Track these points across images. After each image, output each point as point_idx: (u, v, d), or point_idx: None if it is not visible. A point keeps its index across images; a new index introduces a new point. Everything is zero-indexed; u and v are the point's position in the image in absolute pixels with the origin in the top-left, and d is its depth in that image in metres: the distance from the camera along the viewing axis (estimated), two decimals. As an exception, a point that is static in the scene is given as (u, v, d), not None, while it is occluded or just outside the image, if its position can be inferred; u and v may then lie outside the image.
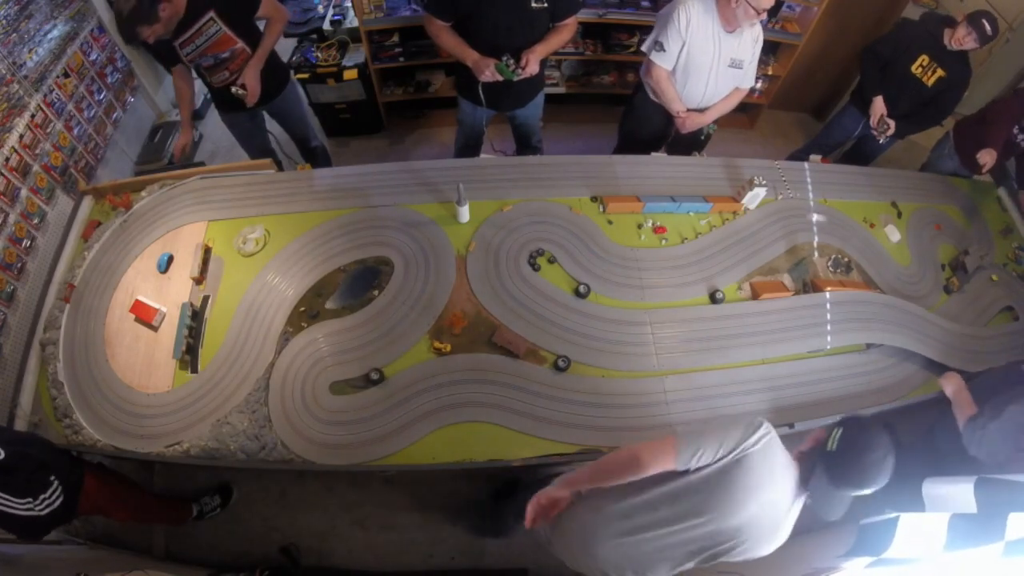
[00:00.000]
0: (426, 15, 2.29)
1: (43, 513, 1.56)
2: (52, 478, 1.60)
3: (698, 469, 1.23)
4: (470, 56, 2.25)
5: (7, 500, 1.49)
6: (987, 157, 2.47)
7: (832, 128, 3.12)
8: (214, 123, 2.39)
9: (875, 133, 2.75)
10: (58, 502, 1.60)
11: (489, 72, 2.21)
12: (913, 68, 2.64)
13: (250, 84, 2.31)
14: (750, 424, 1.24)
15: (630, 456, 1.26)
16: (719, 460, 1.22)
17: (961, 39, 2.49)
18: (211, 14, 2.16)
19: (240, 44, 2.30)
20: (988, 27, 2.43)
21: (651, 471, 1.24)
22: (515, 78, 2.23)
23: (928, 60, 2.60)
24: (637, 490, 1.29)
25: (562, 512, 1.39)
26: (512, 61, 2.21)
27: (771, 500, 1.22)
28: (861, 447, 1.19)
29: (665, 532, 1.25)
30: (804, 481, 1.25)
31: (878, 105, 2.73)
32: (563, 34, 2.33)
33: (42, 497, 1.57)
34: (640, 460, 1.24)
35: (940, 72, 2.60)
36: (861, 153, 3.11)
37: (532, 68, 2.23)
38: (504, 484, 2.28)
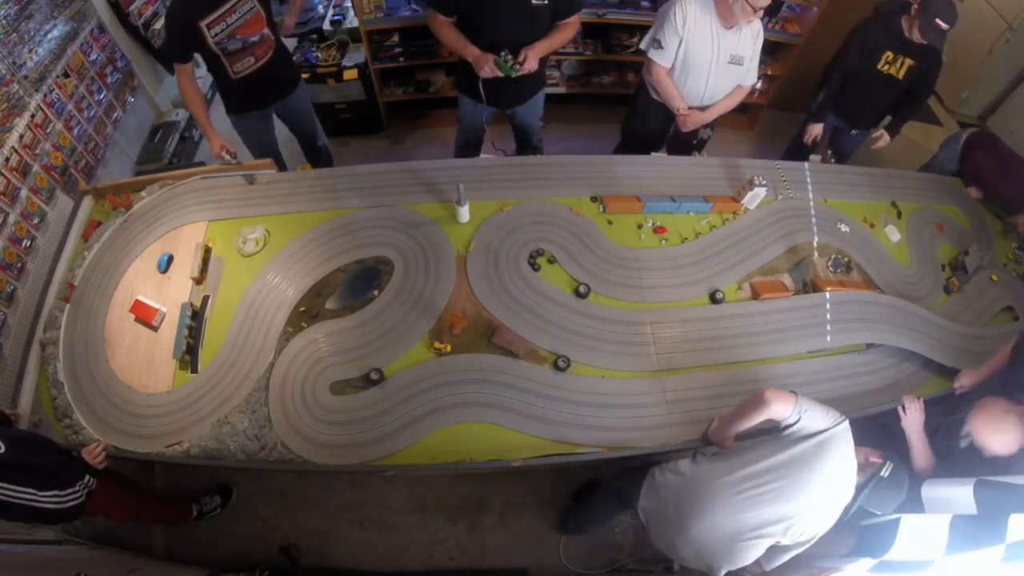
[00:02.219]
0: (429, 10, 2.30)
1: (61, 507, 1.56)
2: (75, 476, 1.62)
3: (798, 439, 1.41)
4: (471, 52, 2.25)
5: (13, 490, 1.49)
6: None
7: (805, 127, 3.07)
8: (215, 123, 2.37)
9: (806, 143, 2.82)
10: (76, 501, 1.61)
11: (488, 68, 2.22)
12: (880, 66, 2.57)
13: (290, 21, 2.49)
14: (836, 412, 1.44)
15: (757, 396, 1.47)
16: (815, 434, 1.40)
17: (916, 35, 2.40)
18: None
19: (267, 29, 2.30)
20: (942, 24, 2.27)
21: (772, 411, 1.44)
22: (513, 74, 2.24)
23: (893, 55, 2.53)
24: (746, 463, 1.46)
25: (671, 489, 1.59)
26: (510, 56, 2.22)
27: (838, 482, 1.39)
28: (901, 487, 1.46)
29: (765, 506, 1.40)
30: (858, 487, 1.43)
31: (815, 130, 2.77)
32: (564, 33, 2.33)
33: (69, 491, 1.58)
34: (764, 397, 1.44)
35: (909, 62, 2.53)
36: (836, 151, 3.06)
37: (530, 65, 2.24)
38: (584, 483, 2.45)
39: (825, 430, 1.40)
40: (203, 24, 2.13)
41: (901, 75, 2.58)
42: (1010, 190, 2.58)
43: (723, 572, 1.49)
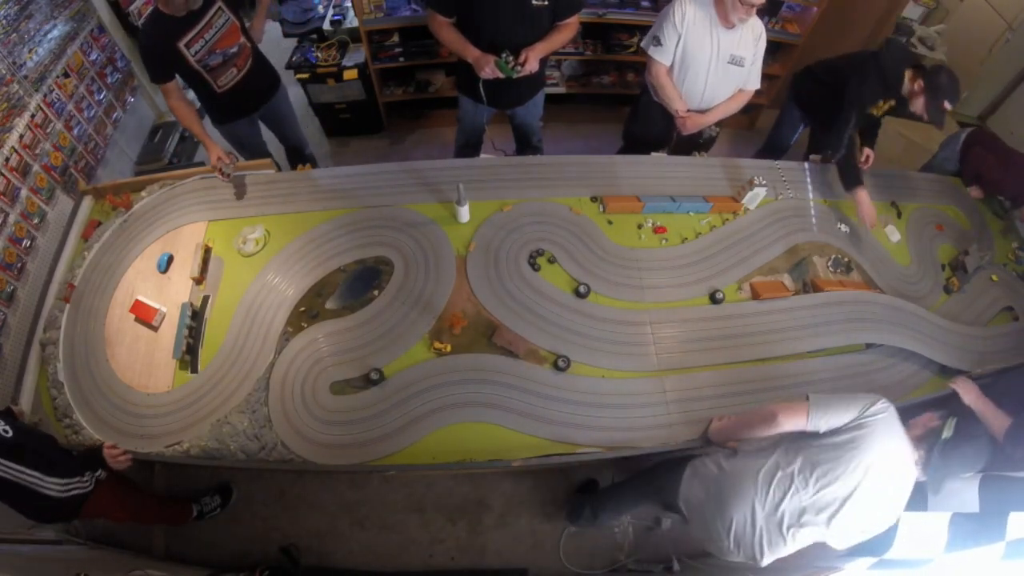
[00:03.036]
0: (429, 11, 2.30)
1: (64, 495, 1.56)
2: (78, 470, 1.62)
3: (829, 433, 1.40)
4: (471, 53, 2.25)
5: (19, 470, 1.49)
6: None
7: (784, 130, 3.00)
8: (210, 123, 2.37)
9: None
10: (82, 490, 1.61)
11: (489, 69, 2.21)
12: (871, 110, 2.50)
13: (258, 25, 2.47)
14: (872, 398, 1.39)
15: (768, 413, 1.47)
16: (847, 426, 1.37)
17: (918, 108, 2.31)
18: (219, 3, 2.14)
19: (243, 39, 2.29)
20: (949, 105, 2.22)
21: (784, 428, 1.44)
22: (514, 75, 2.24)
23: (883, 101, 2.47)
24: (780, 450, 1.46)
25: (711, 479, 1.58)
26: (511, 57, 2.21)
27: (888, 471, 1.35)
28: (978, 433, 1.35)
29: (799, 493, 1.39)
30: (923, 463, 1.36)
31: (867, 204, 2.31)
32: (564, 33, 2.33)
33: (76, 479, 1.59)
34: (776, 417, 1.44)
35: (891, 103, 2.48)
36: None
37: (531, 66, 2.23)
38: (586, 481, 2.50)
39: (856, 422, 1.37)
40: (181, 45, 2.09)
41: (880, 113, 2.54)
42: (1012, 186, 2.57)
43: (766, 562, 1.48)
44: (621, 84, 3.63)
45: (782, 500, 1.42)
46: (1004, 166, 2.59)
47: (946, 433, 1.32)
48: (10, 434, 1.49)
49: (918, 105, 2.31)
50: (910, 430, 1.41)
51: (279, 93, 2.65)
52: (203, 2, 2.09)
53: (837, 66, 2.55)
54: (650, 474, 1.93)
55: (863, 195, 2.32)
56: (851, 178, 2.35)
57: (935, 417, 1.39)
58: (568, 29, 2.34)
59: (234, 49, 2.27)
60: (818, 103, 2.67)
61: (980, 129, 2.88)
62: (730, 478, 1.53)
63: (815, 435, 1.43)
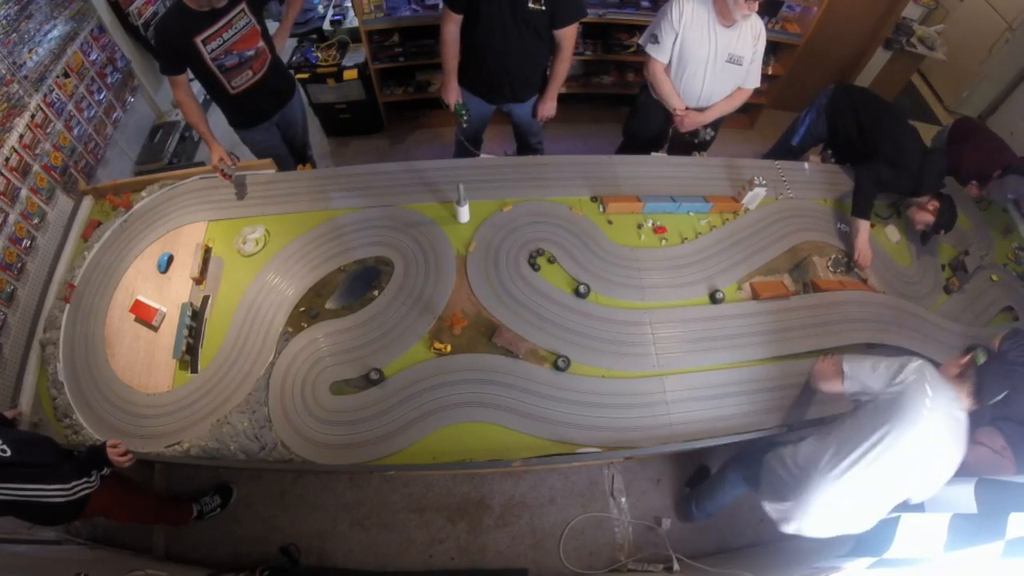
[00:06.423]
0: (444, 10, 2.30)
1: (70, 498, 1.55)
2: (82, 470, 1.60)
3: (867, 401, 1.51)
4: (449, 82, 2.43)
5: (20, 489, 1.48)
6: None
7: (806, 134, 2.89)
8: (214, 123, 2.36)
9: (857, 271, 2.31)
10: (89, 490, 1.59)
11: (452, 106, 2.43)
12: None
13: (281, 38, 2.47)
14: (902, 362, 1.46)
15: (811, 380, 1.73)
16: (884, 390, 1.46)
17: (919, 220, 2.35)
18: (242, 5, 2.13)
19: (262, 43, 2.29)
20: (944, 230, 2.31)
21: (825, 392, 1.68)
22: (462, 120, 2.43)
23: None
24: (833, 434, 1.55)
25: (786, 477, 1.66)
26: (466, 111, 2.42)
27: (928, 430, 1.39)
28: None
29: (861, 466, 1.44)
30: (974, 393, 1.41)
31: (865, 238, 2.26)
32: (565, 54, 2.37)
33: (83, 480, 1.57)
34: (815, 385, 1.70)
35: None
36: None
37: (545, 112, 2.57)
38: (695, 471, 2.57)
39: (884, 391, 1.45)
40: (199, 40, 2.08)
41: None
42: (979, 164, 2.52)
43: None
44: (621, 84, 3.63)
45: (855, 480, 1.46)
46: (976, 151, 2.55)
47: (980, 359, 1.38)
48: (8, 454, 1.47)
49: (922, 218, 2.36)
50: (946, 371, 1.47)
51: (294, 99, 2.64)
52: (227, 2, 2.07)
53: (882, 125, 2.47)
54: (732, 465, 2.05)
55: (864, 227, 2.26)
56: (863, 208, 2.28)
57: (957, 363, 1.45)
58: (566, 48, 2.36)
59: (251, 52, 2.25)
60: (842, 134, 2.62)
61: (956, 123, 2.83)
62: (801, 474, 1.59)
63: (859, 411, 1.52)
